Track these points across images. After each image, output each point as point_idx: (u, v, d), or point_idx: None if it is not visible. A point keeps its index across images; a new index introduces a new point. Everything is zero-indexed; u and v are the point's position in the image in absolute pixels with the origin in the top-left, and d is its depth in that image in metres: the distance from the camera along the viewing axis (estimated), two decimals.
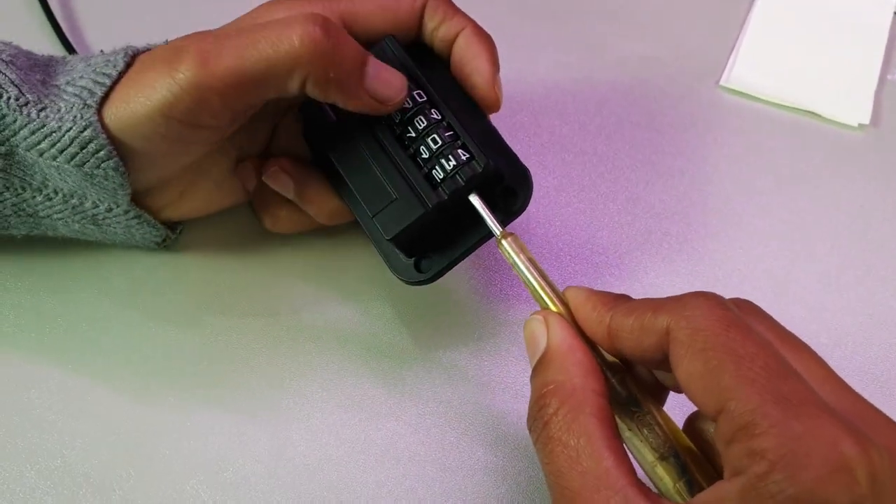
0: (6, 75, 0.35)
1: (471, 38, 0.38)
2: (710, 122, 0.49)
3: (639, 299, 0.31)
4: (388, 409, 0.39)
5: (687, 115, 0.49)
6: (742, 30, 0.53)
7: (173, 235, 0.41)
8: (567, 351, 0.31)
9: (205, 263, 0.42)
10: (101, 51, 0.37)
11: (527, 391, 0.32)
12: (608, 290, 0.42)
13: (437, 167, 0.36)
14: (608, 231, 0.45)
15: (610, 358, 0.32)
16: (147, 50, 0.37)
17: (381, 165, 0.37)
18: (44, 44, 0.49)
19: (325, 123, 0.39)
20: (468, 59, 0.38)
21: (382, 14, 0.38)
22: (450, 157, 0.36)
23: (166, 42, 0.38)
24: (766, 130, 0.49)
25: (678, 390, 0.31)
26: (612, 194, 0.46)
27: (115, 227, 0.39)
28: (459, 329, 0.41)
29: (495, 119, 0.40)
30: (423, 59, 0.39)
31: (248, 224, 0.43)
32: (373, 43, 0.38)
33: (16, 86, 0.35)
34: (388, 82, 0.36)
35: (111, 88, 0.35)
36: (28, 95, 0.35)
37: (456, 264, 0.38)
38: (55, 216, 0.38)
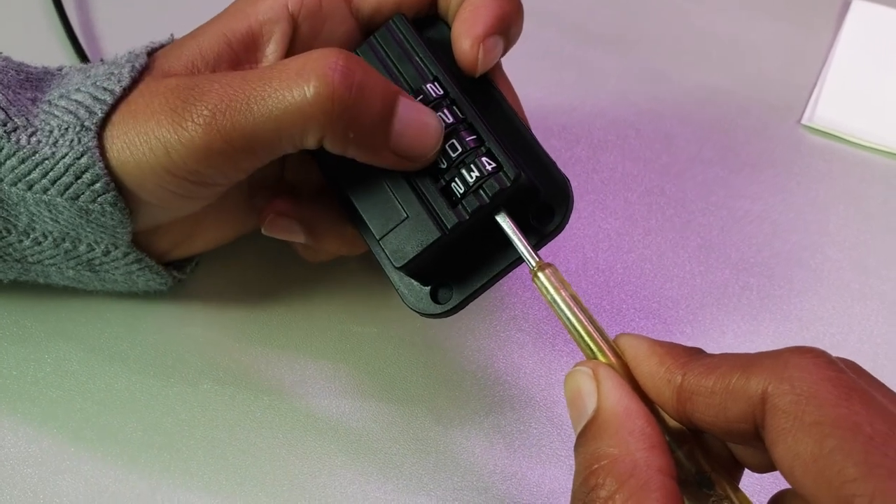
0: None
1: None
2: (792, 163, 0.43)
3: (720, 355, 0.25)
4: (404, 475, 0.33)
5: (765, 154, 0.44)
6: (826, 63, 0.47)
7: (181, 276, 0.36)
8: (624, 416, 0.25)
9: (214, 304, 0.37)
10: (101, 60, 0.32)
11: (568, 460, 0.26)
12: None
13: (456, 179, 0.30)
14: (678, 283, 0.39)
15: (673, 423, 0.26)
16: (154, 50, 0.32)
17: (390, 178, 0.31)
18: (59, 55, 0.45)
19: None
20: (468, 8, 0.31)
21: None
22: (472, 166, 0.30)
23: (171, 39, 0.33)
24: (857, 175, 0.43)
25: (760, 469, 0.25)
26: (682, 241, 0.40)
27: (113, 274, 0.33)
28: (481, 378, 0.35)
29: (548, 150, 0.34)
30: (435, 38, 0.32)
31: (266, 251, 0.38)
32: (379, 22, 0.33)
33: (2, 109, 0.30)
34: (419, 136, 0.29)
35: (113, 107, 0.30)
36: (16, 119, 0.30)
37: (481, 293, 0.31)
38: (46, 262, 0.33)
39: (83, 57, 0.45)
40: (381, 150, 0.29)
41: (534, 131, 0.44)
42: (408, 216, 0.30)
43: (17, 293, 0.36)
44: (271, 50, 0.31)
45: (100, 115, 0.29)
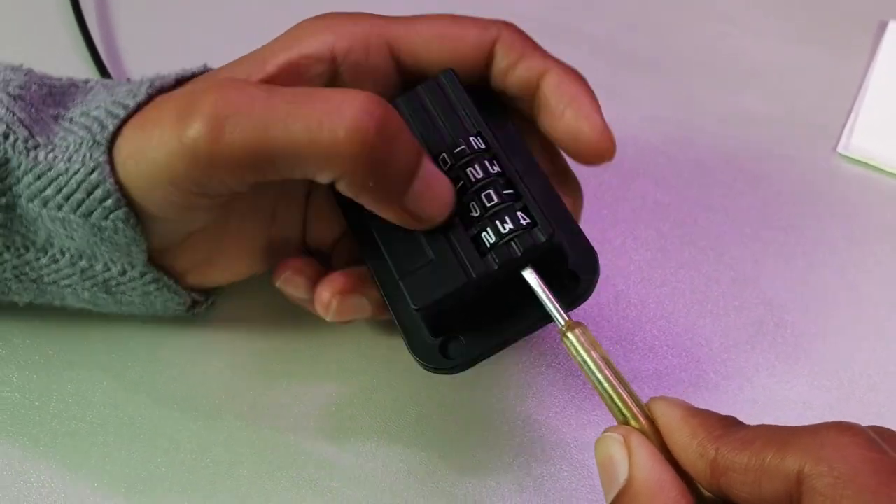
0: (14, 114, 0.29)
1: (562, 78, 0.31)
2: (829, 194, 0.42)
3: (755, 428, 0.24)
4: None
5: (800, 184, 0.43)
6: (861, 90, 0.46)
7: (203, 301, 0.35)
8: (657, 488, 0.24)
9: (238, 336, 0.36)
10: (128, 79, 0.32)
11: None
12: (714, 390, 0.36)
13: (488, 229, 0.29)
14: (711, 318, 0.38)
15: (708, 495, 0.25)
16: (185, 79, 0.31)
17: None
18: (81, 72, 0.45)
19: None
20: (565, 102, 0.31)
21: (441, 44, 0.31)
22: (506, 219, 0.29)
23: (205, 67, 0.32)
24: (894, 208, 0.42)
25: None
26: (715, 274, 0.39)
27: (130, 295, 0.33)
28: (510, 418, 0.35)
29: (577, 175, 0.33)
30: (482, 101, 0.32)
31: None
32: (422, 74, 0.32)
33: (25, 126, 0.29)
34: (433, 199, 0.29)
35: (124, 121, 0.29)
36: (38, 138, 0.29)
37: (492, 354, 0.30)
38: (62, 282, 0.32)
39: (104, 74, 0.44)
40: (393, 205, 0.29)
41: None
42: (433, 259, 0.29)
43: (40, 320, 0.36)
44: (306, 85, 0.31)
45: (111, 129, 0.29)
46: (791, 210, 0.42)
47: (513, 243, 0.29)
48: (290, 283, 0.33)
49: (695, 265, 0.40)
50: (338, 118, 0.26)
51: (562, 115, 0.31)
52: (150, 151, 0.28)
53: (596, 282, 0.30)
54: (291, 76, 0.31)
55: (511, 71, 0.32)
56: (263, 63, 0.31)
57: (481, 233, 0.29)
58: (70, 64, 0.44)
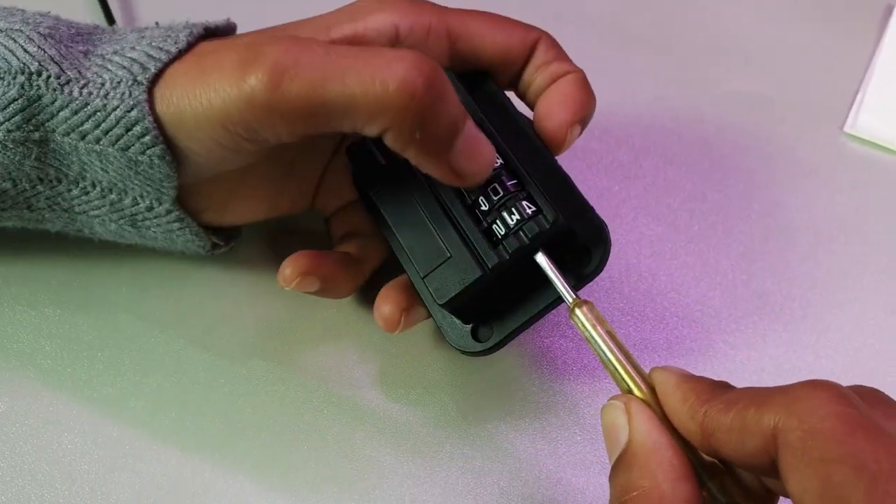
0: (45, 51, 0.31)
1: (575, 80, 0.34)
2: (834, 172, 0.44)
3: (740, 390, 0.25)
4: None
5: (807, 162, 0.44)
6: (868, 69, 0.47)
7: (222, 245, 0.36)
8: (653, 449, 0.26)
9: (257, 298, 0.38)
10: (157, 23, 0.33)
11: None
12: (723, 359, 0.37)
13: (497, 221, 0.31)
14: (720, 291, 0.39)
15: (706, 458, 0.26)
16: (210, 30, 0.32)
17: (434, 218, 0.32)
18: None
19: (373, 167, 0.34)
20: (557, 93, 0.34)
21: (493, 36, 0.34)
22: (513, 210, 0.31)
23: (227, 22, 0.33)
24: None
25: (786, 495, 0.25)
26: (724, 248, 0.40)
27: (154, 231, 0.34)
28: (526, 384, 0.36)
29: (589, 154, 0.34)
30: (481, 91, 0.34)
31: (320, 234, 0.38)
32: (476, 65, 0.34)
33: (56, 62, 0.30)
34: (476, 157, 0.31)
35: (167, 65, 0.30)
36: (69, 73, 0.30)
37: (520, 332, 0.32)
38: (91, 212, 0.34)
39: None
40: (440, 159, 0.30)
41: None
42: (451, 256, 0.32)
43: (69, 290, 0.37)
44: None
45: (153, 70, 0.30)
46: (798, 188, 0.43)
47: (521, 232, 0.31)
48: (304, 285, 0.34)
49: (704, 239, 0.41)
50: (389, 72, 0.28)
51: (544, 100, 0.34)
52: (205, 93, 0.29)
53: (608, 253, 0.32)
54: (355, 45, 0.32)
55: (545, 66, 0.34)
56: (328, 30, 0.32)
57: (492, 225, 0.31)
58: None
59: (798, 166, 0.44)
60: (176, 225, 0.34)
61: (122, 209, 0.33)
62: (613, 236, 0.32)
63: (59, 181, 0.33)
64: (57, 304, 0.37)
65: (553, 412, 0.36)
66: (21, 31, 0.31)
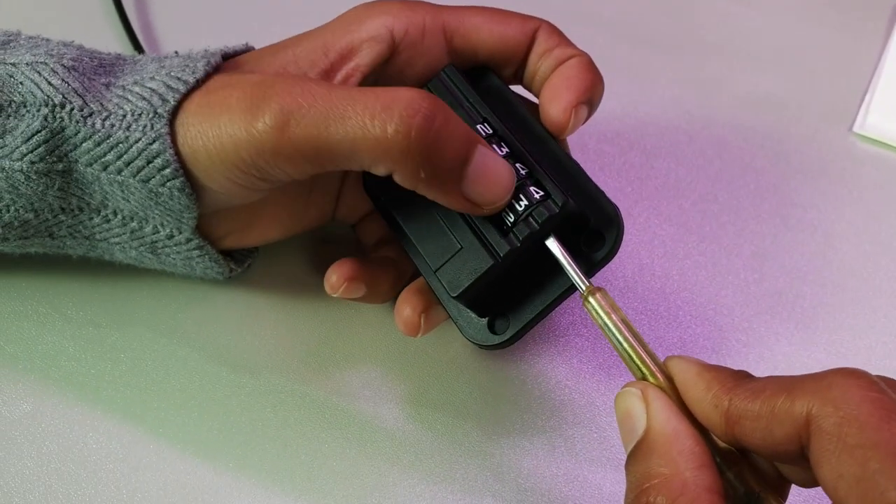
0: (69, 84, 0.31)
1: (579, 62, 0.34)
2: (844, 171, 0.44)
3: (765, 378, 0.26)
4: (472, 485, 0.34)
5: (817, 162, 0.44)
6: (876, 70, 0.48)
7: (239, 269, 0.37)
8: (673, 436, 0.26)
9: (280, 302, 0.38)
10: (176, 52, 0.34)
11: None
12: (736, 357, 0.38)
13: (506, 209, 0.31)
14: (732, 290, 0.40)
15: (723, 445, 0.27)
16: (229, 56, 0.33)
17: (443, 212, 0.32)
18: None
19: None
20: (561, 76, 0.33)
21: (489, 29, 0.34)
22: (521, 196, 0.31)
23: (246, 46, 0.34)
24: None
25: (806, 485, 0.26)
26: (735, 248, 0.41)
27: (174, 258, 0.35)
28: (542, 382, 0.36)
29: (601, 156, 0.35)
30: (484, 85, 0.34)
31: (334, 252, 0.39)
32: (477, 60, 0.35)
33: (79, 95, 0.31)
34: (490, 184, 0.30)
35: (185, 97, 0.31)
36: (92, 105, 0.31)
37: (537, 323, 0.32)
38: (112, 240, 0.34)
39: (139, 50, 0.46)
40: (452, 193, 0.30)
41: (587, 137, 0.45)
42: (461, 247, 0.31)
43: (92, 291, 0.38)
44: (364, 62, 0.33)
45: (172, 103, 0.31)
46: (808, 187, 0.43)
47: (530, 218, 0.30)
48: (351, 290, 0.35)
49: (716, 239, 0.41)
50: (387, 115, 0.28)
51: (548, 83, 0.34)
52: (217, 135, 0.30)
53: (621, 236, 0.31)
54: (350, 57, 0.33)
55: (548, 53, 0.34)
56: (326, 51, 0.33)
57: (501, 213, 0.31)
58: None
59: (808, 166, 0.44)
60: (196, 253, 0.34)
61: (143, 237, 0.34)
62: (627, 236, 0.33)
63: (82, 210, 0.33)
64: (80, 306, 0.38)
65: (569, 410, 0.36)
66: (45, 63, 0.32)
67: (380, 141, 0.28)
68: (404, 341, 0.37)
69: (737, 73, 0.48)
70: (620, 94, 0.46)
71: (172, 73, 0.31)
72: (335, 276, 0.35)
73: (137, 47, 0.46)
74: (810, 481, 0.26)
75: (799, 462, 0.24)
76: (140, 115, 0.31)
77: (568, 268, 0.30)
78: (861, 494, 0.22)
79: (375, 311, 0.38)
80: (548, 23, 0.35)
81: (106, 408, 0.36)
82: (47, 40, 0.34)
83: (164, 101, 0.31)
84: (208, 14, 0.49)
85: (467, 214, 0.32)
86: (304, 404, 0.36)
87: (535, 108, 0.35)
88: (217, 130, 0.30)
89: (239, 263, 0.37)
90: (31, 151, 0.31)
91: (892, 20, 0.49)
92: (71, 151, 0.31)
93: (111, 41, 0.47)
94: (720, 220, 0.42)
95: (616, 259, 0.39)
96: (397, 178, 0.30)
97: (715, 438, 0.27)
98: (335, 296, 0.35)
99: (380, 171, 0.30)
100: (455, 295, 0.31)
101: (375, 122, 0.28)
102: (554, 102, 0.33)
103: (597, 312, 0.29)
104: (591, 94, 0.33)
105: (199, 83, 0.31)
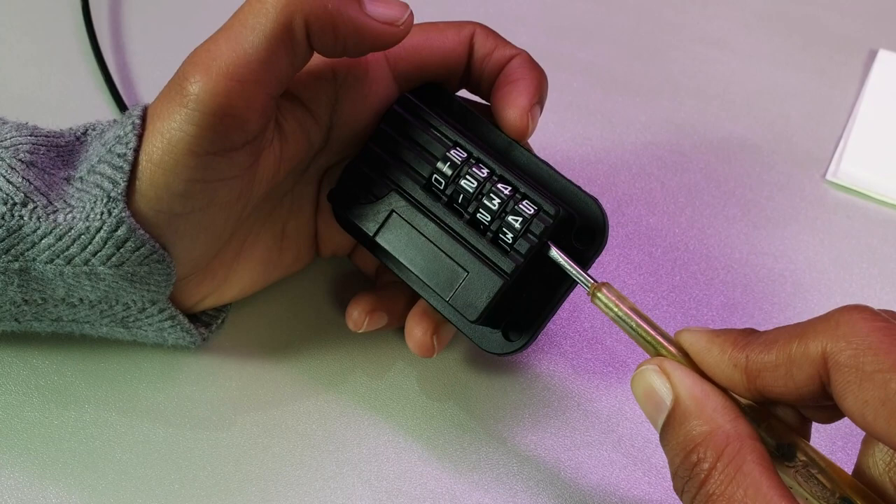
0: (30, 182, 0.31)
1: (521, 62, 0.35)
2: (816, 220, 0.44)
3: (773, 330, 0.27)
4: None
5: (789, 210, 0.44)
6: (850, 117, 0.48)
7: (207, 334, 0.37)
8: (703, 397, 0.27)
9: (247, 356, 0.38)
10: (115, 120, 0.34)
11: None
12: None
13: (503, 229, 0.33)
14: None
15: (745, 402, 0.28)
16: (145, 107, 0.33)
17: (440, 241, 0.33)
18: (98, 102, 0.46)
19: (362, 206, 0.35)
20: (509, 81, 0.34)
21: (430, 47, 0.35)
22: (514, 214, 0.32)
23: (132, 121, 0.34)
24: (881, 234, 0.43)
25: (828, 421, 0.28)
26: (705, 299, 0.41)
27: (146, 330, 0.35)
28: (547, 378, 0.36)
29: None
30: (441, 105, 0.35)
31: (296, 302, 0.39)
32: (424, 79, 0.36)
33: (43, 194, 0.31)
34: (386, 3, 0.32)
35: (133, 167, 0.31)
36: (56, 203, 0.31)
37: (546, 323, 0.34)
38: (81, 321, 0.35)
39: (119, 100, 0.46)
40: (362, 16, 0.31)
41: None
42: (468, 272, 0.33)
43: (58, 345, 0.38)
44: (314, 109, 0.34)
45: (123, 184, 0.31)
46: (780, 235, 0.43)
47: (528, 233, 0.32)
48: (374, 322, 0.36)
49: (686, 289, 0.41)
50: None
51: (500, 92, 0.35)
52: (163, 140, 0.30)
53: (608, 227, 0.33)
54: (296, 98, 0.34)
55: (488, 58, 0.35)
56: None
57: (498, 234, 0.33)
58: (86, 93, 0.46)
59: (780, 214, 0.44)
60: (168, 323, 0.35)
61: (113, 315, 0.34)
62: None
63: (45, 300, 0.33)
64: (46, 355, 0.38)
65: (577, 416, 0.36)
66: (2, 159, 0.31)
67: (276, 4, 0.29)
68: (368, 388, 0.37)
69: (711, 118, 0.48)
70: (593, 138, 0.46)
71: (113, 150, 0.31)
72: (356, 312, 0.36)
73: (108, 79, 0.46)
74: (832, 417, 0.27)
75: (822, 401, 0.25)
76: (95, 202, 0.31)
77: (572, 271, 0.32)
78: (888, 414, 0.23)
79: (338, 356, 0.38)
80: (481, 25, 0.36)
81: (67, 460, 0.35)
82: (2, 123, 0.33)
83: (115, 183, 0.31)
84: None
85: (466, 242, 0.33)
86: (267, 457, 0.36)
87: (487, 109, 0.36)
88: (161, 134, 0.30)
89: (208, 328, 0.37)
90: None
91: (867, 67, 0.50)
92: (28, 250, 0.31)
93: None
94: (690, 270, 0.42)
95: (585, 308, 0.40)
96: (317, 37, 0.30)
97: (737, 398, 0.27)
98: (360, 331, 0.36)
99: (300, 35, 0.30)
100: (474, 320, 0.33)
101: (266, 4, 0.30)
102: (509, 109, 0.34)
103: (607, 306, 0.30)
104: (540, 92, 0.35)
105: (136, 151, 0.31)
